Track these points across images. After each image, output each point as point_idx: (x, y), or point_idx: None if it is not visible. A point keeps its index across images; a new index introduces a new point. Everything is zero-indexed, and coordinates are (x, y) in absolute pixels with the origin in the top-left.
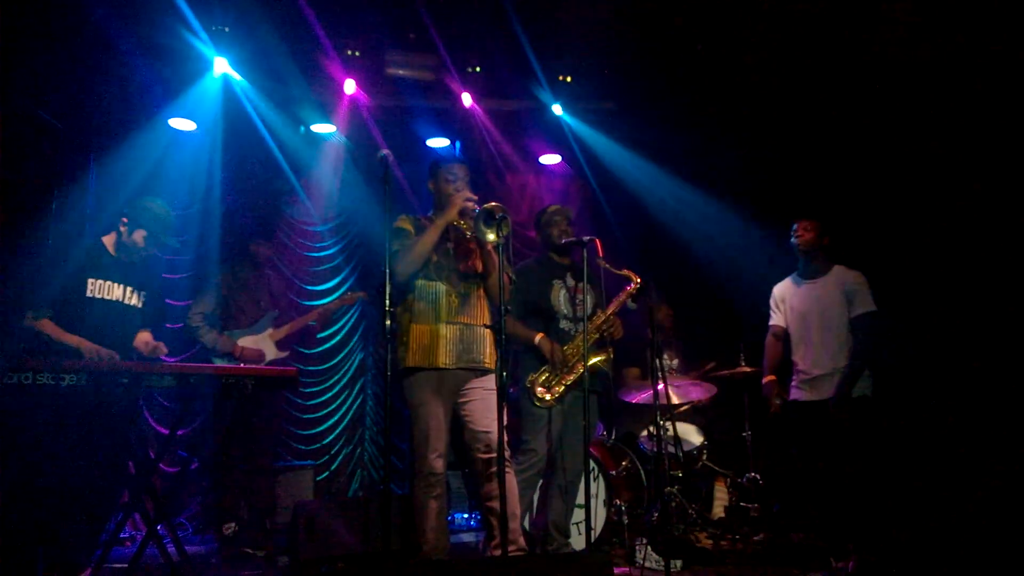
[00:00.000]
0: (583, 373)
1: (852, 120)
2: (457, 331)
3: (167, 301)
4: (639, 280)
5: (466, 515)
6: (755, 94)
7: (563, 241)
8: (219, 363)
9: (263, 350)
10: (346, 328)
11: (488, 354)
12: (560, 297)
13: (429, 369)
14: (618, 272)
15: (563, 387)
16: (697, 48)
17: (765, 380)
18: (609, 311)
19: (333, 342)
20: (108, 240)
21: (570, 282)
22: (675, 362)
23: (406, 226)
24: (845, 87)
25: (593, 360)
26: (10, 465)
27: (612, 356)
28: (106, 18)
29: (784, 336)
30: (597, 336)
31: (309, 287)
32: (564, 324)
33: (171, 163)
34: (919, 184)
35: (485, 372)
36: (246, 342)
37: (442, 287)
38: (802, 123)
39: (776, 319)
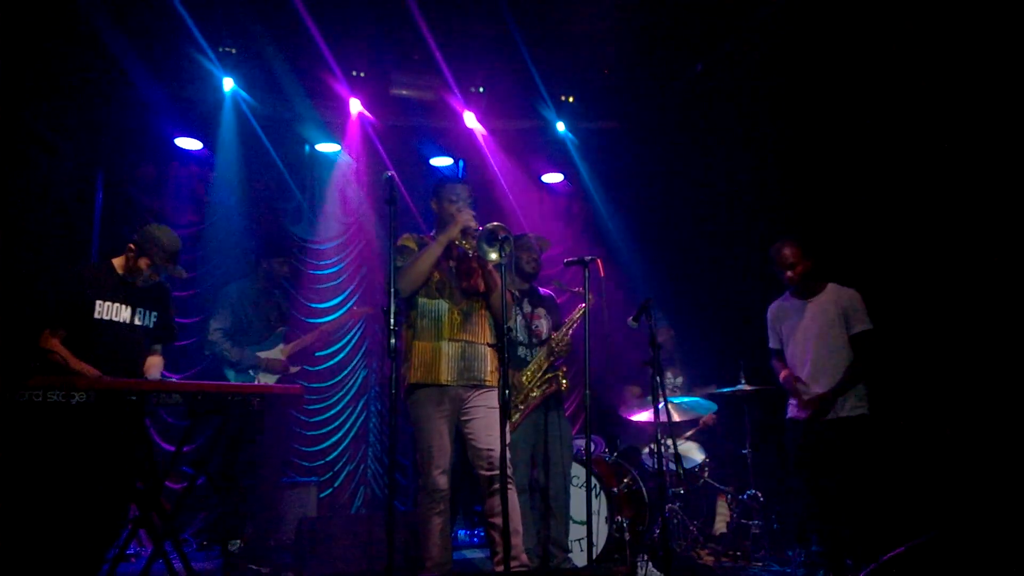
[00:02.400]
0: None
1: (853, 137)
2: (459, 348)
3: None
4: (592, 298)
5: (468, 531)
6: (755, 113)
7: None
8: (232, 377)
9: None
10: (350, 346)
11: (489, 372)
12: (516, 324)
13: (431, 385)
14: (572, 292)
15: (518, 414)
16: (697, 68)
17: (783, 376)
18: (562, 332)
19: (337, 359)
20: (118, 262)
21: (527, 308)
22: (679, 379)
23: (410, 244)
24: (845, 104)
25: (545, 387)
26: (20, 481)
27: (564, 379)
28: (115, 38)
29: (784, 356)
30: (552, 360)
31: (314, 305)
32: (521, 351)
33: (179, 182)
34: (917, 200)
35: (486, 389)
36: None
37: (444, 305)
38: (803, 141)
39: (773, 342)
